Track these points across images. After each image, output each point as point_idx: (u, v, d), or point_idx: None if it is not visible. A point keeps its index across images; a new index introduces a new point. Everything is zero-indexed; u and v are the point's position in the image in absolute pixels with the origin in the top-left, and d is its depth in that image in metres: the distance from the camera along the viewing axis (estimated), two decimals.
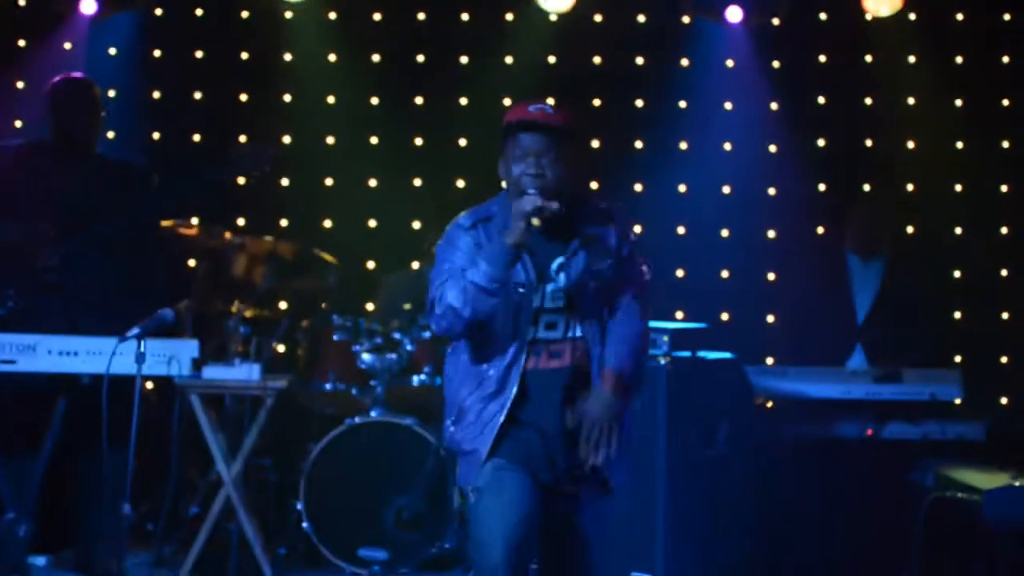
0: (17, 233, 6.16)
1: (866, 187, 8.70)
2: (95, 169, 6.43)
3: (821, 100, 8.87)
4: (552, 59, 8.48)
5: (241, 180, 6.92)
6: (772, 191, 8.78)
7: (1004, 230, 8.70)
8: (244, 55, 8.89)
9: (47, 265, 6.15)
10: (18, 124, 8.17)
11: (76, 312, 6.07)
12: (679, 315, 8.23)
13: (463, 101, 8.69)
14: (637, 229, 8.30)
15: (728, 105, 8.81)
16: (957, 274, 8.72)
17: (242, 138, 8.51)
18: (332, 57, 8.85)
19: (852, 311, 7.30)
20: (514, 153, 4.23)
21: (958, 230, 8.74)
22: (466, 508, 4.32)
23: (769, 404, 6.87)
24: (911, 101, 8.76)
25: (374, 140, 8.81)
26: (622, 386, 4.21)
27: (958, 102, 8.73)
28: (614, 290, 4.30)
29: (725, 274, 8.73)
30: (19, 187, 6.27)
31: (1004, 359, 8.61)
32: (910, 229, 8.70)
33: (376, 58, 8.91)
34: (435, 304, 4.21)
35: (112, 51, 8.64)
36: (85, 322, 5.92)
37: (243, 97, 8.89)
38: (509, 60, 8.55)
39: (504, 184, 4.31)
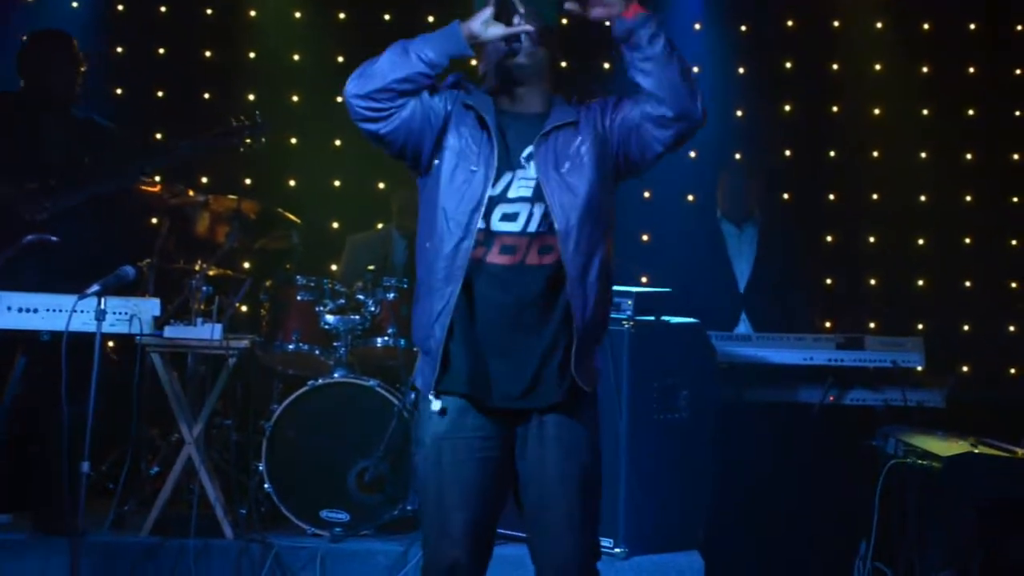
0: None
1: (831, 154, 8.74)
2: (72, 124, 6.39)
3: (788, 65, 8.88)
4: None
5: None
6: (738, 156, 8.78)
7: (968, 198, 8.75)
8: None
9: (34, 220, 6.12)
10: None
11: (61, 269, 6.03)
12: (643, 280, 8.23)
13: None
14: None
15: (696, 69, 8.76)
16: (920, 242, 8.77)
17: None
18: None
19: (733, 278, 7.35)
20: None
21: (922, 198, 8.78)
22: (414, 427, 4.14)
23: (731, 368, 6.89)
24: (877, 67, 8.77)
25: (339, 99, 8.71)
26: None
27: (924, 69, 8.76)
28: (595, 169, 4.01)
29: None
30: None
31: (966, 327, 8.67)
32: (875, 196, 8.74)
33: (342, 15, 8.86)
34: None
35: (74, 4, 8.55)
36: (69, 280, 5.86)
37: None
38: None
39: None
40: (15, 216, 6.15)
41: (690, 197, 8.79)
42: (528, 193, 3.99)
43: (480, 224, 3.96)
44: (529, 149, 4.02)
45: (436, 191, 4.02)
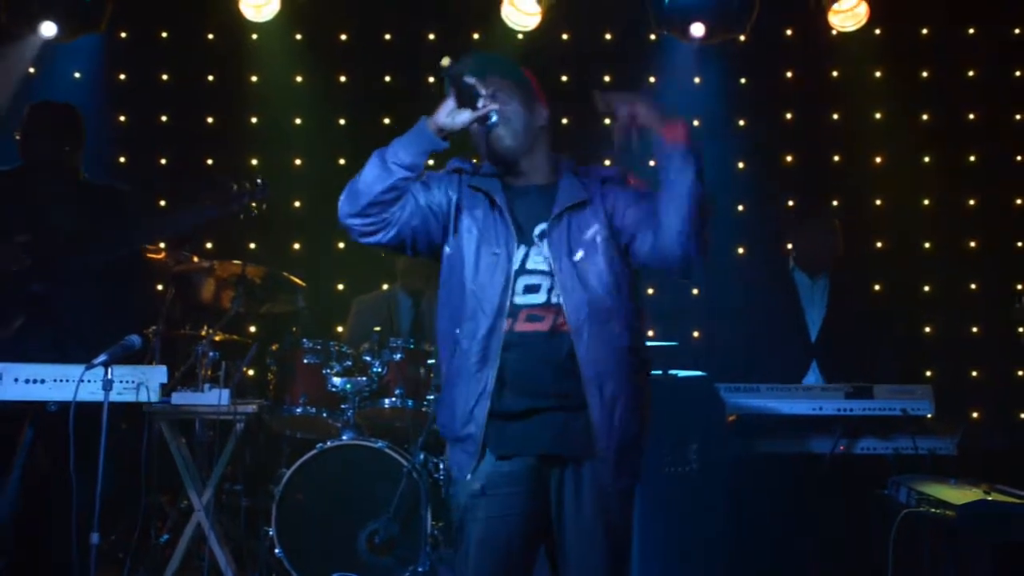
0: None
1: (835, 203, 8.75)
2: (78, 193, 6.40)
3: (788, 116, 8.91)
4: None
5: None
6: (741, 208, 8.81)
7: (972, 244, 8.75)
8: (210, 77, 8.87)
9: (33, 290, 6.13)
10: None
11: (62, 338, 6.03)
12: (650, 333, 8.23)
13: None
14: None
15: (696, 122, 8.83)
16: (927, 288, 8.76)
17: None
18: (299, 78, 8.84)
19: (805, 329, 7.31)
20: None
21: (927, 244, 8.78)
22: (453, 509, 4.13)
23: (731, 418, 6.86)
24: (878, 116, 8.80)
25: (342, 161, 8.80)
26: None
27: (924, 116, 8.78)
28: (609, 257, 4.06)
29: (695, 292, 8.74)
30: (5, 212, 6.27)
31: (975, 373, 8.64)
32: (879, 244, 8.74)
33: (343, 79, 8.91)
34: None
35: (76, 75, 8.59)
36: (71, 348, 5.87)
37: (210, 120, 8.86)
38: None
39: None
40: (20, 287, 6.16)
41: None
42: (546, 267, 4.03)
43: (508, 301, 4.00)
44: (542, 227, 4.06)
45: (461, 276, 4.05)
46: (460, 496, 4.06)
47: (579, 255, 4.02)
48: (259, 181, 6.71)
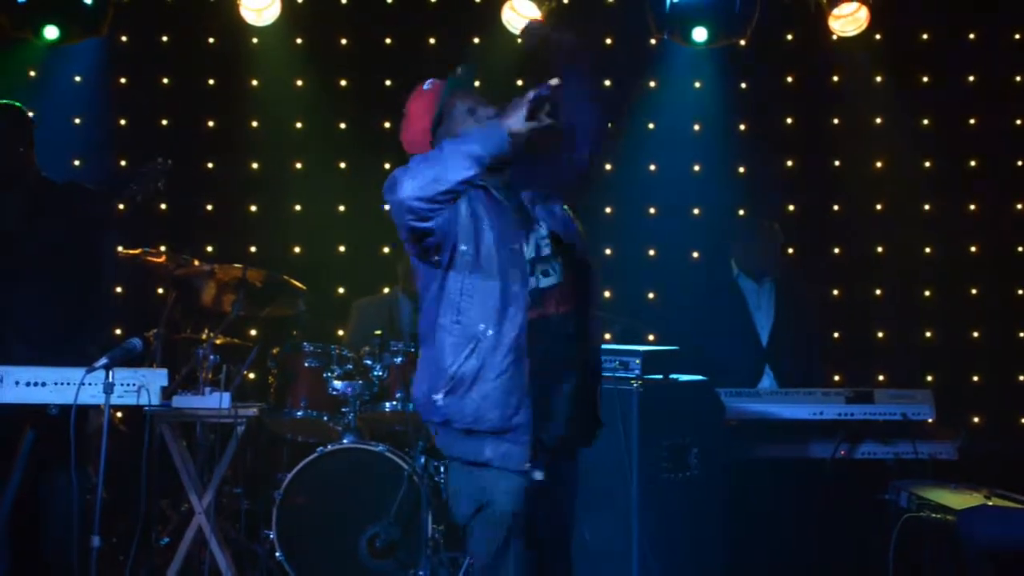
0: None
1: (835, 207, 8.76)
2: (36, 192, 6.27)
3: (788, 121, 8.91)
4: (520, 82, 8.45)
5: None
6: (741, 212, 8.81)
7: (973, 249, 8.75)
8: (211, 81, 8.87)
9: None
10: None
11: (5, 335, 6.00)
12: (651, 337, 8.23)
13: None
14: (607, 251, 8.37)
15: (696, 126, 8.84)
16: (927, 293, 8.76)
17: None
18: (299, 82, 8.84)
19: (756, 334, 7.32)
20: (469, 107, 4.40)
21: (927, 249, 8.78)
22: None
23: (732, 422, 6.87)
24: (878, 120, 8.80)
25: (343, 165, 8.81)
26: None
27: (925, 121, 8.79)
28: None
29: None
30: None
31: (975, 377, 8.64)
32: (879, 249, 8.74)
33: (343, 83, 8.91)
34: (401, 172, 4.10)
35: (77, 78, 8.60)
36: (15, 347, 5.85)
37: (210, 123, 8.87)
38: (477, 84, 8.51)
39: None
40: None
41: (695, 254, 8.81)
42: (550, 249, 4.29)
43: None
44: (537, 210, 4.33)
45: (479, 274, 4.19)
46: (506, 486, 4.16)
47: (571, 228, 4.37)
48: (159, 163, 6.61)
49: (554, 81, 4.08)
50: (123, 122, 8.83)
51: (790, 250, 8.62)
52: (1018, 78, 8.80)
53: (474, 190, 4.22)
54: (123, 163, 8.72)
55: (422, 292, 4.32)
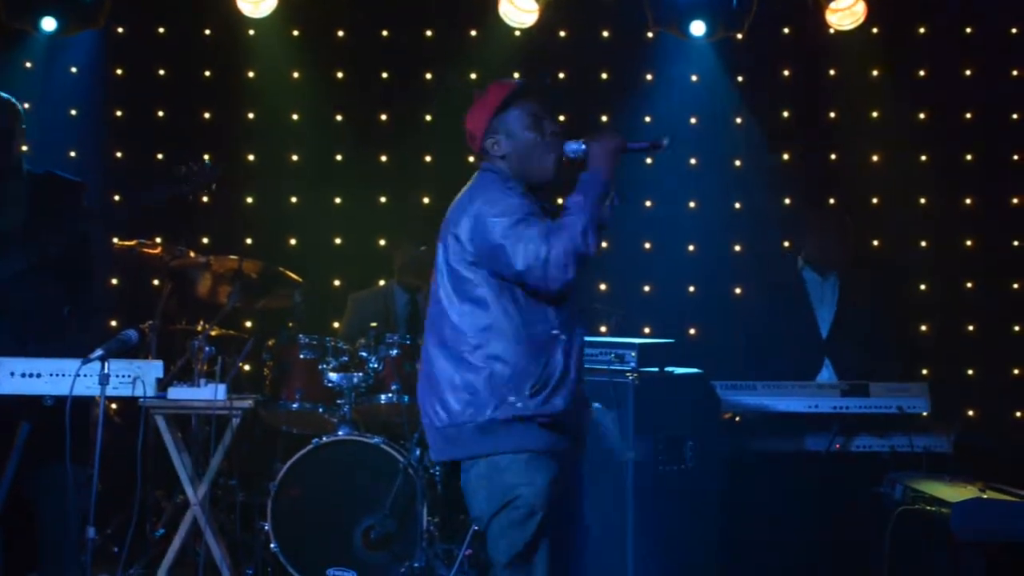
0: None
1: (831, 200, 8.75)
2: (22, 184, 6.26)
3: (786, 114, 8.91)
4: (517, 75, 8.44)
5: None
6: (738, 205, 8.81)
7: (969, 243, 8.75)
8: (207, 73, 8.86)
9: None
10: None
11: (21, 331, 6.00)
12: (647, 330, 8.24)
13: (428, 118, 8.70)
14: (604, 244, 8.35)
15: (693, 120, 8.83)
16: (923, 287, 8.76)
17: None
18: (296, 74, 8.83)
19: (816, 326, 7.30)
20: (535, 111, 4.40)
21: (923, 243, 8.78)
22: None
23: (737, 418, 6.87)
24: (875, 115, 8.80)
25: (339, 157, 8.79)
26: None
27: (922, 115, 8.78)
28: None
29: (692, 289, 8.75)
30: None
31: (971, 371, 8.65)
32: (876, 242, 8.74)
33: (340, 75, 8.90)
34: (549, 255, 4.13)
35: (73, 70, 8.59)
36: (31, 342, 5.84)
37: (206, 115, 8.86)
38: (474, 76, 8.53)
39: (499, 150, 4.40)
40: None
41: (691, 247, 8.81)
42: None
43: None
44: None
45: None
46: (542, 473, 4.23)
47: None
48: (207, 162, 6.61)
49: (665, 141, 4.35)
50: (119, 113, 8.82)
51: (785, 243, 8.63)
52: (1015, 72, 8.79)
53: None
54: (118, 154, 8.71)
55: (459, 296, 4.33)
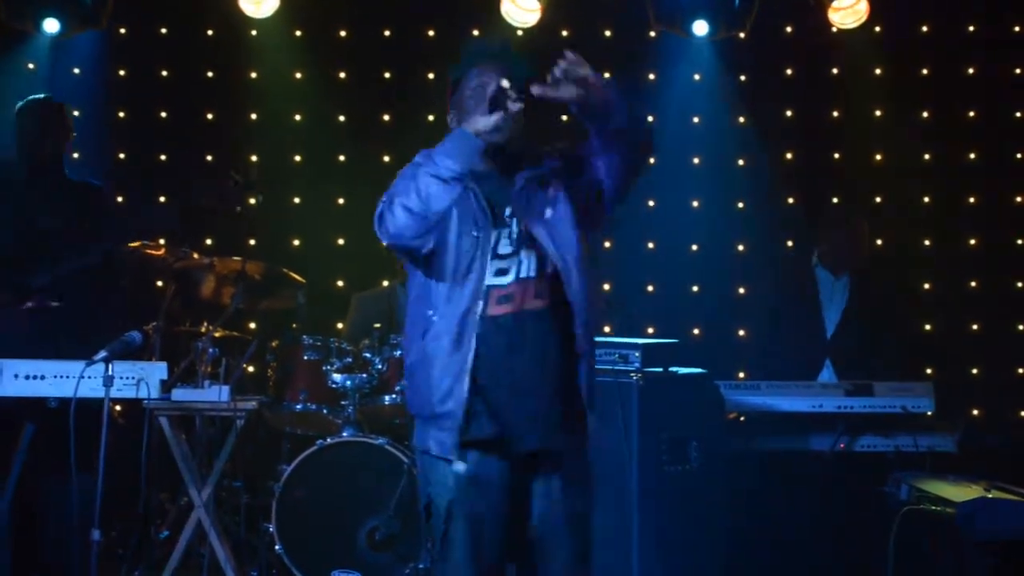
0: None
1: (834, 200, 8.74)
2: (63, 191, 6.43)
3: (788, 113, 8.90)
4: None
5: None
6: (741, 205, 8.80)
7: (973, 241, 8.75)
8: (210, 73, 8.86)
9: (38, 286, 6.14)
10: None
11: (66, 333, 6.03)
12: (650, 330, 8.23)
13: (430, 117, 8.68)
14: (606, 244, 8.35)
15: (696, 119, 8.83)
16: (927, 286, 8.76)
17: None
18: (298, 75, 8.83)
19: (821, 325, 7.30)
20: (476, 78, 4.20)
21: (927, 242, 8.78)
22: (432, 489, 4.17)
23: (741, 418, 6.86)
24: (878, 113, 8.79)
25: (342, 158, 8.79)
26: None
27: (925, 114, 8.78)
28: (572, 219, 4.18)
29: (695, 289, 8.74)
30: None
31: (975, 370, 8.64)
32: (879, 242, 8.73)
33: (342, 75, 8.90)
34: (385, 208, 4.06)
35: (76, 71, 8.58)
36: (77, 344, 5.87)
37: (209, 116, 8.86)
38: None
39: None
40: (16, 283, 6.17)
41: (694, 247, 8.80)
42: (513, 248, 4.14)
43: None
44: (509, 208, 4.17)
45: (442, 260, 4.10)
46: (445, 478, 4.09)
47: (548, 213, 4.17)
48: (252, 173, 6.66)
49: (504, 82, 4.04)
50: (122, 114, 8.81)
51: (789, 243, 8.63)
52: (1018, 70, 8.78)
53: None
54: (121, 155, 8.71)
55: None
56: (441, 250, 4.11)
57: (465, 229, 4.10)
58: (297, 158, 8.88)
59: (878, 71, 8.77)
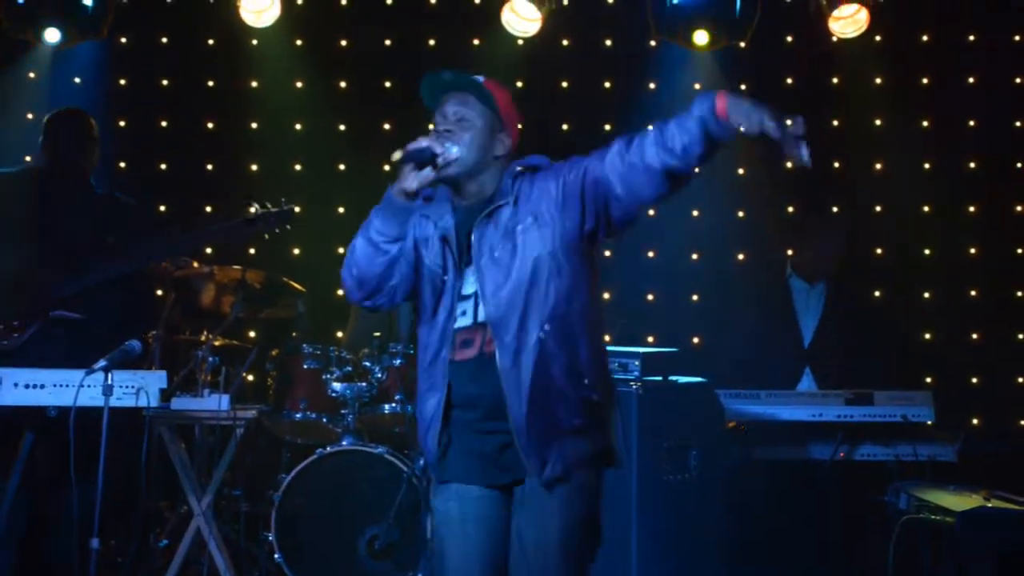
0: (16, 262, 6.18)
1: (834, 208, 8.74)
2: (88, 201, 6.45)
3: (788, 122, 8.88)
4: (520, 83, 8.44)
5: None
6: (741, 214, 8.80)
7: (973, 250, 8.74)
8: (210, 82, 8.87)
9: (63, 296, 6.16)
10: None
11: (88, 343, 6.05)
12: (650, 339, 8.22)
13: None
14: (607, 253, 8.34)
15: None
16: (927, 295, 8.75)
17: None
18: (299, 84, 8.83)
19: (799, 335, 7.30)
20: (435, 119, 4.22)
21: (927, 251, 8.77)
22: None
23: (741, 427, 6.86)
24: (878, 122, 8.79)
25: (342, 167, 8.79)
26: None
27: (925, 123, 8.78)
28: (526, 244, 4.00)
29: (695, 298, 8.74)
30: (16, 215, 6.30)
31: (975, 379, 8.63)
32: (879, 251, 8.74)
33: (343, 84, 8.90)
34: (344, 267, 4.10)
35: (77, 80, 8.59)
36: (97, 353, 5.88)
37: (210, 125, 8.86)
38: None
39: None
40: (40, 292, 6.18)
41: (695, 256, 8.80)
42: (475, 288, 4.04)
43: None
44: (488, 233, 4.07)
45: (420, 305, 4.13)
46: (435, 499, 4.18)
47: (497, 251, 4.02)
48: (284, 204, 6.72)
49: (423, 142, 4.05)
50: (123, 124, 8.82)
51: (789, 252, 8.62)
52: (1018, 80, 8.79)
53: (424, 221, 4.17)
54: (122, 164, 8.71)
55: None
56: (416, 291, 4.13)
57: (435, 274, 4.08)
58: (297, 167, 8.88)
59: (878, 80, 8.77)
